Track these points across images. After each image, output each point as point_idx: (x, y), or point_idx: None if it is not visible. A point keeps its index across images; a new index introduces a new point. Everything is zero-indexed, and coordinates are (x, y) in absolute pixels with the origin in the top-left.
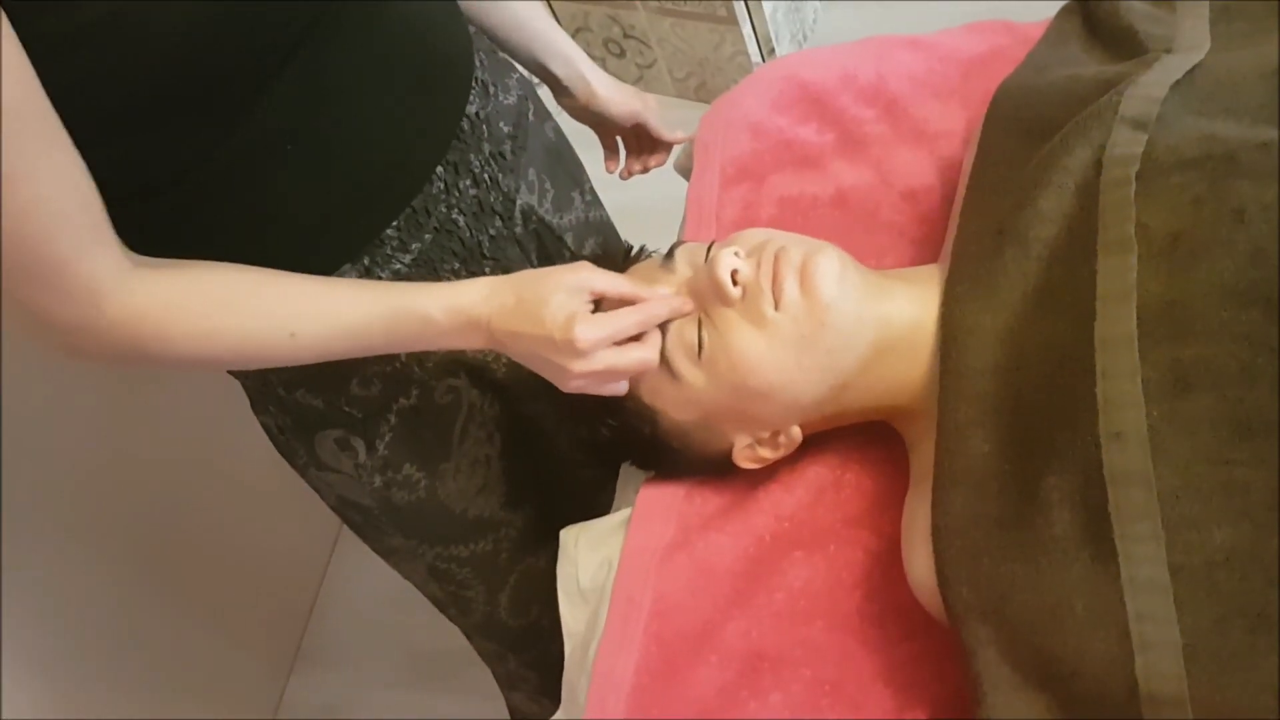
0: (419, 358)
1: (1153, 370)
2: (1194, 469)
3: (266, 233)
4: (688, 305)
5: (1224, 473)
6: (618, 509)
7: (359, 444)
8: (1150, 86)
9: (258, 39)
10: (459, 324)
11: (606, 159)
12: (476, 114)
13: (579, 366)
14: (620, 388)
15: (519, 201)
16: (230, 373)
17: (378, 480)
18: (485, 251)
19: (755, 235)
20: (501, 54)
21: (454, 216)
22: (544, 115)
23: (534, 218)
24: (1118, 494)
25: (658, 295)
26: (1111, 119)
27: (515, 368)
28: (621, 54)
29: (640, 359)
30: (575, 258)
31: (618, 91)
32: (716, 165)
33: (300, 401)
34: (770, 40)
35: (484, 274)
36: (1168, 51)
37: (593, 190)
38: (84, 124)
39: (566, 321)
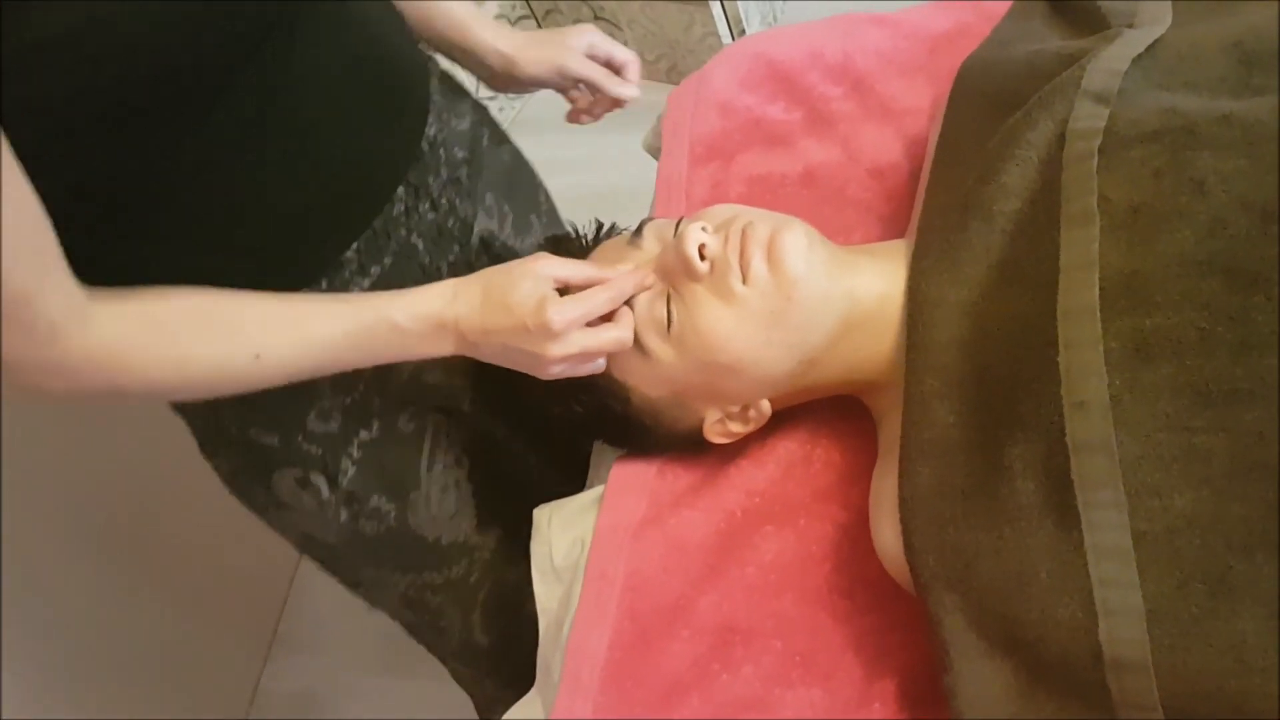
0: (380, 386)
1: (1115, 340)
2: (1155, 437)
3: (224, 253)
4: (650, 279)
5: (1185, 440)
6: (590, 486)
7: (320, 481)
8: (1112, 61)
9: (208, 52)
10: (427, 329)
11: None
12: (435, 136)
13: (555, 350)
14: (599, 365)
15: (476, 228)
16: (178, 413)
17: (344, 514)
18: (444, 278)
19: (723, 211)
20: (453, 80)
21: (413, 240)
22: (499, 139)
23: (496, 243)
24: (1081, 462)
25: (620, 273)
26: (1074, 93)
27: (480, 392)
28: None
29: (615, 338)
30: None
31: (534, 48)
32: (685, 144)
33: (254, 440)
34: (740, 21)
35: None
36: (1130, 26)
37: (550, 210)
38: (30, 146)
39: (537, 307)
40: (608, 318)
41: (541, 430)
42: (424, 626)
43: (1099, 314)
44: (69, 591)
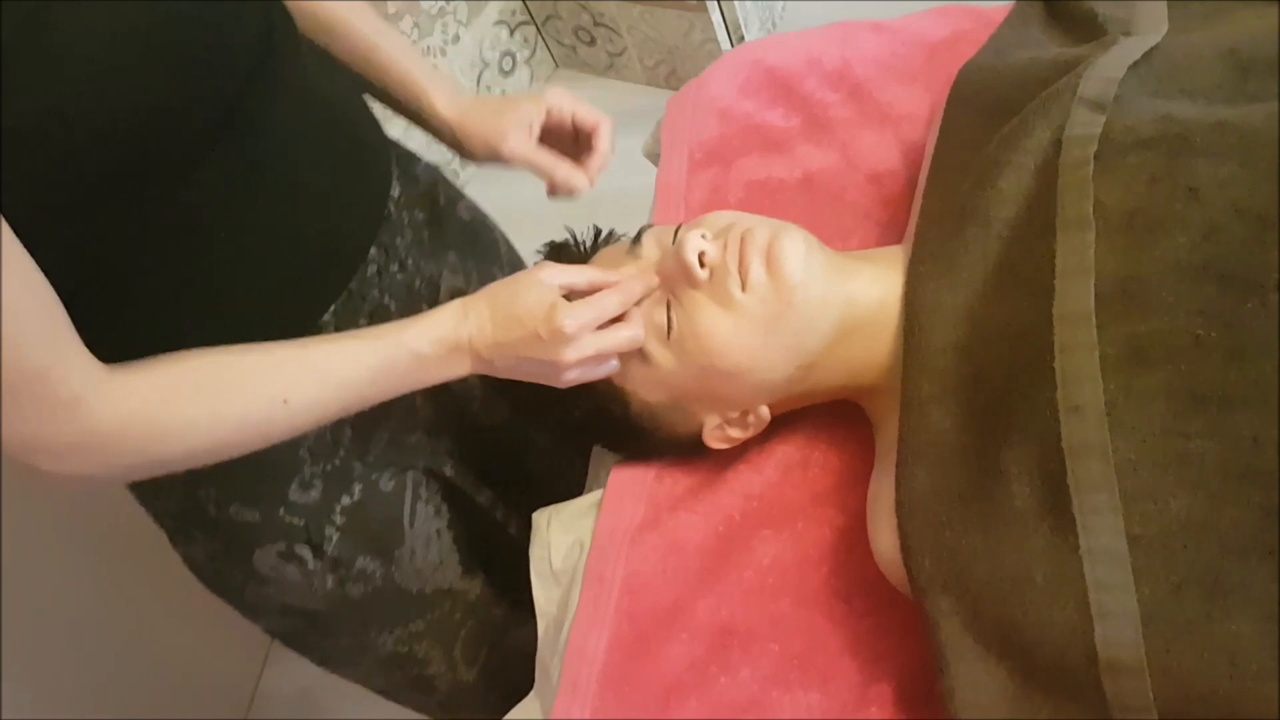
0: (360, 452)
1: (1110, 345)
2: (1150, 441)
3: (205, 322)
4: (655, 280)
5: (1179, 444)
6: (589, 491)
7: (305, 552)
8: (1108, 68)
9: (178, 132)
10: (443, 352)
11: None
12: (398, 198)
13: (570, 355)
14: (613, 366)
15: (444, 286)
16: (149, 504)
17: (330, 581)
18: None
19: (722, 217)
20: (402, 147)
21: (386, 302)
22: (455, 197)
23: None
24: (1076, 466)
25: (628, 275)
26: (1070, 100)
27: (463, 453)
28: (592, 42)
29: (628, 337)
30: None
31: (476, 122)
32: (685, 149)
33: (234, 519)
34: (740, 27)
35: None
36: (1126, 34)
37: (512, 259)
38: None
39: (548, 314)
40: (616, 320)
41: (525, 494)
42: (409, 686)
43: (1094, 319)
44: (69, 591)
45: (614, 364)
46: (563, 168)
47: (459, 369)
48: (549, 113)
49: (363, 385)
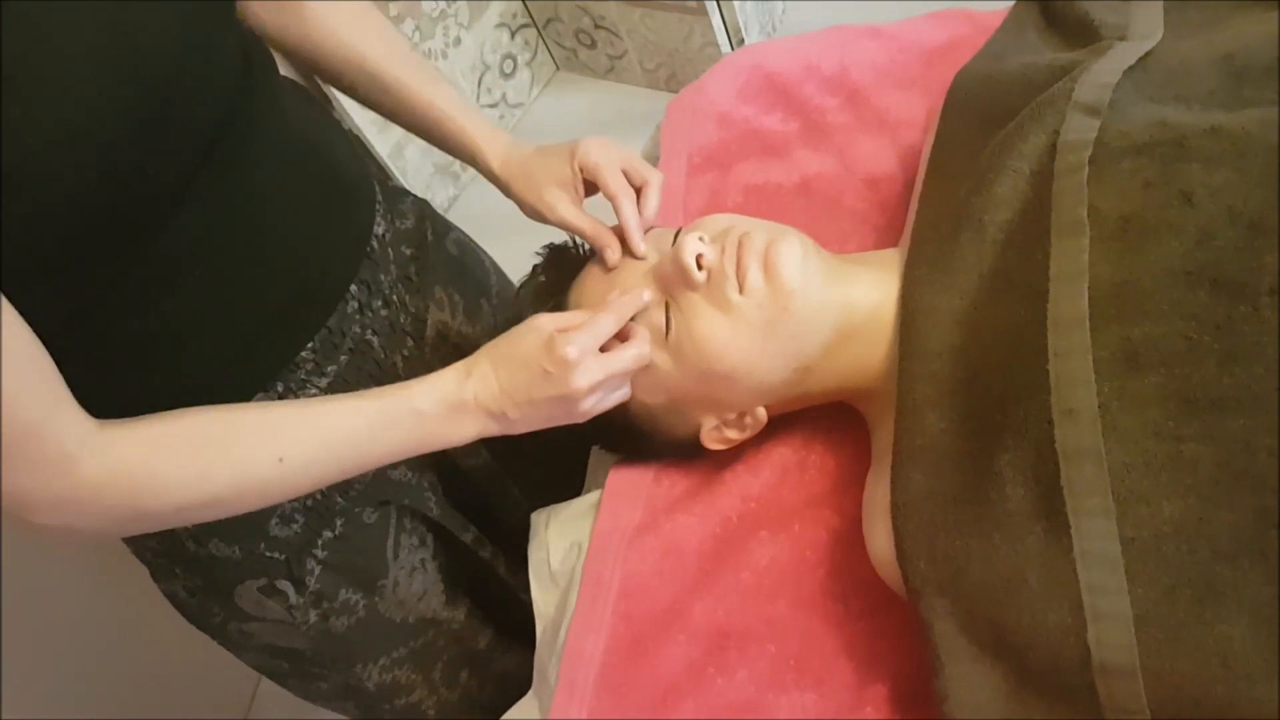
0: (343, 487)
1: (1104, 349)
2: (1143, 444)
3: (180, 361)
4: (647, 294)
5: (1172, 448)
6: (588, 492)
7: (287, 586)
8: (1104, 74)
9: (155, 175)
10: (446, 411)
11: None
12: (383, 235)
13: (580, 381)
14: (627, 392)
15: (429, 321)
16: (128, 542)
17: (313, 616)
18: (400, 373)
19: (720, 221)
20: (390, 183)
21: (368, 337)
22: (442, 231)
23: (451, 333)
24: (1070, 469)
25: (614, 299)
26: (1065, 105)
27: (445, 490)
28: (592, 45)
29: (635, 355)
30: None
31: (520, 182)
32: (683, 154)
33: (214, 555)
34: (740, 31)
35: None
36: (1122, 39)
37: (502, 289)
38: None
39: (547, 348)
40: (618, 341)
41: (510, 533)
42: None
43: (1088, 324)
44: (69, 591)
45: (627, 390)
46: (601, 238)
47: (466, 430)
48: (583, 170)
49: (362, 444)
